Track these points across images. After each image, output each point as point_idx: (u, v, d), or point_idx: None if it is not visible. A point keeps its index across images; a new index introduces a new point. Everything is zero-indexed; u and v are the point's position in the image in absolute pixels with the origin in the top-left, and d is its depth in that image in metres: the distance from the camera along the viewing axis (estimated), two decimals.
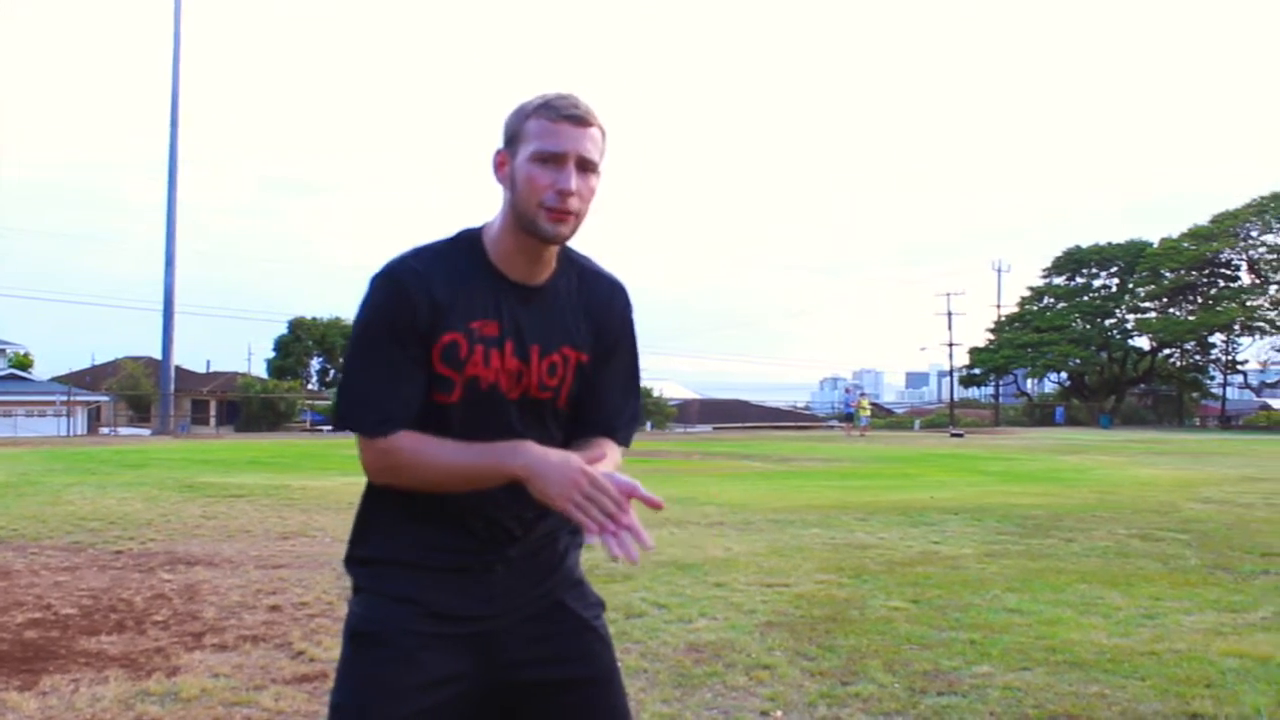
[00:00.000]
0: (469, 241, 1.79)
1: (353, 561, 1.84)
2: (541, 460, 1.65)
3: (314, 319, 60.05)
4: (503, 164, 1.76)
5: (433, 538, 1.78)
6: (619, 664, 1.92)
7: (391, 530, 1.81)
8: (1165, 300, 61.43)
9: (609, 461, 1.76)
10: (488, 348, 1.74)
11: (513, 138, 1.74)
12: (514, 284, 1.78)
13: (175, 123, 39.89)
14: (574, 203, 1.71)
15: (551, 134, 1.70)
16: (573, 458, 1.66)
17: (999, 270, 68.47)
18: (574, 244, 1.83)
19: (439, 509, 1.76)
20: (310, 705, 4.13)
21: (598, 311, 1.86)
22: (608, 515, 1.60)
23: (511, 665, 1.79)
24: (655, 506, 1.63)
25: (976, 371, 66.09)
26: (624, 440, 1.91)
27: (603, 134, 1.75)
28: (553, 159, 1.70)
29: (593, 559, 7.77)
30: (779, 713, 4.10)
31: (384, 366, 1.71)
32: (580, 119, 1.71)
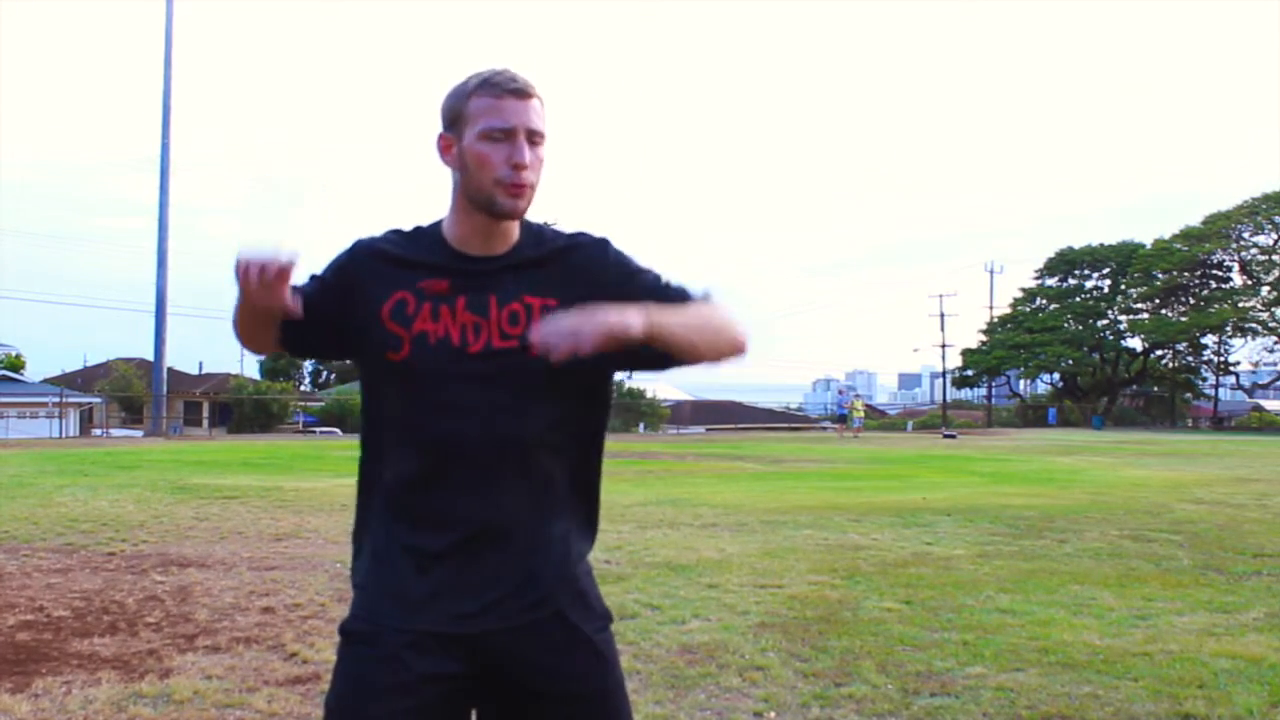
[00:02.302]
0: (428, 228, 1.83)
1: (353, 559, 1.88)
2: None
3: None
4: (449, 147, 1.76)
5: (406, 535, 1.77)
6: (618, 680, 1.81)
7: (375, 528, 1.84)
8: (1157, 301, 61.61)
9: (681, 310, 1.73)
10: (436, 304, 1.74)
11: (455, 119, 1.74)
12: (468, 255, 1.78)
13: (167, 123, 39.80)
14: (528, 175, 1.72)
15: (497, 110, 1.70)
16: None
17: (992, 271, 68.73)
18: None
19: (410, 504, 1.76)
20: (303, 707, 4.12)
21: (585, 272, 1.80)
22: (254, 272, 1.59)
23: (499, 670, 1.74)
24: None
25: (969, 373, 66.23)
26: (680, 294, 1.80)
27: (543, 104, 1.76)
28: (503, 135, 1.70)
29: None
30: (772, 714, 4.11)
31: (307, 286, 1.78)
32: (522, 91, 1.72)
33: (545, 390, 1.74)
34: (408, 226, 1.84)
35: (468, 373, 1.72)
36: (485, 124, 1.70)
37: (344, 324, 1.79)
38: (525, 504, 1.73)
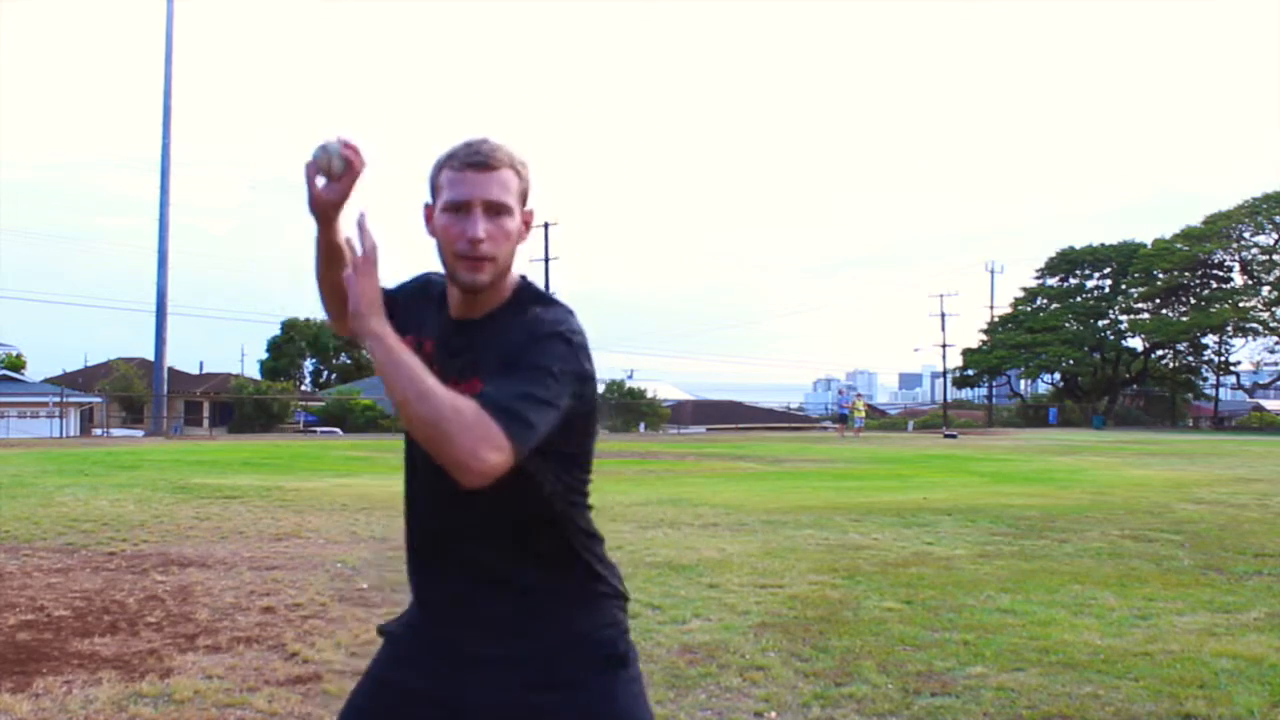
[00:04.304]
0: (441, 279, 1.87)
1: None
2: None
3: (307, 320, 60.01)
4: (430, 217, 1.79)
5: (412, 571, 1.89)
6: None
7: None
8: (1158, 301, 61.59)
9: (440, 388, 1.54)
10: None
11: (433, 190, 1.79)
12: (456, 321, 1.81)
13: (168, 123, 39.79)
14: (485, 248, 1.71)
15: (456, 183, 1.73)
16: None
17: (992, 271, 68.65)
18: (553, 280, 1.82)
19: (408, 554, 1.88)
20: (304, 707, 4.13)
21: (511, 337, 1.71)
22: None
23: (474, 702, 1.75)
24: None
25: (970, 372, 66.22)
26: (496, 407, 1.53)
27: (516, 172, 1.75)
28: (460, 207, 1.72)
29: None
30: (773, 714, 4.11)
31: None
32: (482, 164, 1.72)
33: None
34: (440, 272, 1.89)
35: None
36: (446, 196, 1.74)
37: None
38: (447, 519, 1.82)
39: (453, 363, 1.76)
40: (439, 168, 1.77)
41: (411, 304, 1.87)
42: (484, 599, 1.76)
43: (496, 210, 1.72)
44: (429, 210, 1.79)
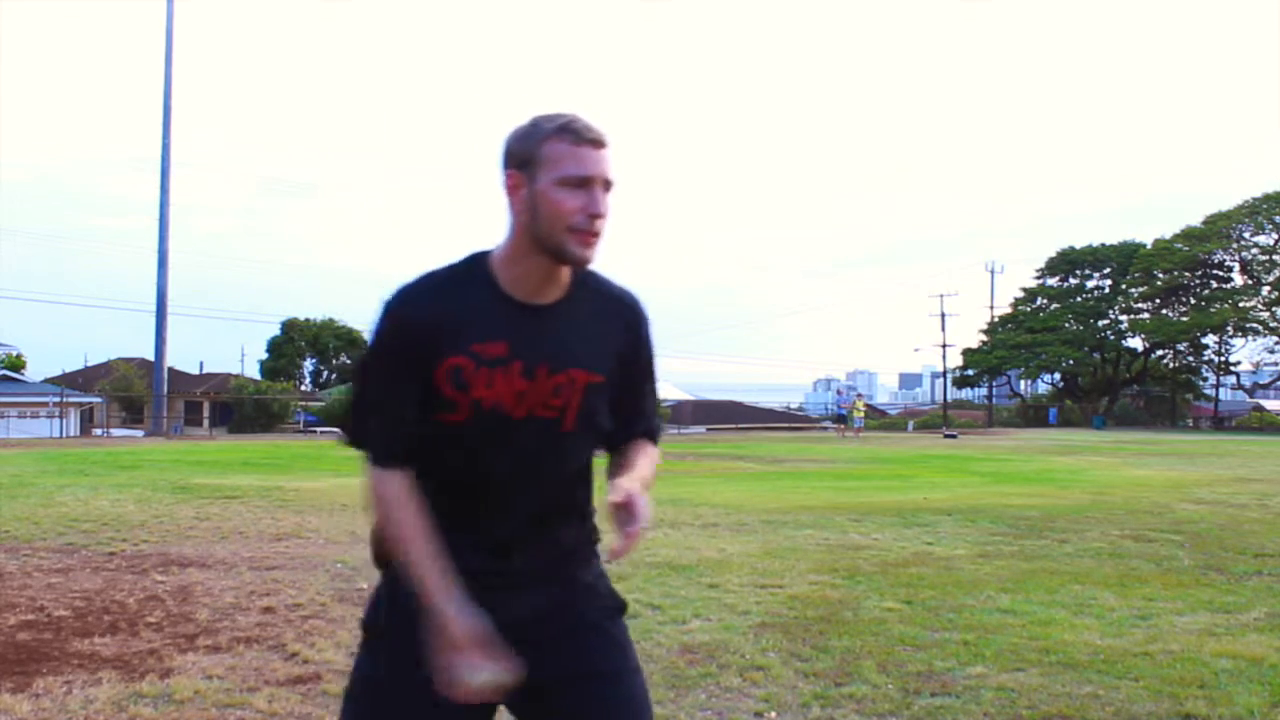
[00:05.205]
0: (476, 264, 1.81)
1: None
2: (434, 621, 1.71)
3: (307, 320, 59.95)
4: (518, 187, 1.76)
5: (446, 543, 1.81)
6: (635, 666, 1.90)
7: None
8: (1158, 301, 61.61)
9: (647, 463, 1.91)
10: (492, 369, 1.76)
11: (527, 161, 1.74)
12: (522, 304, 1.79)
13: (168, 122, 39.81)
14: (601, 224, 1.74)
15: (576, 158, 1.72)
16: (468, 622, 1.71)
17: (992, 271, 68.65)
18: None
19: (452, 517, 1.81)
20: (304, 707, 4.13)
21: (624, 332, 1.90)
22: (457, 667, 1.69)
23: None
24: (613, 555, 1.76)
25: (970, 372, 66.25)
26: (658, 437, 2.01)
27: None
28: (580, 183, 1.72)
29: None
30: (773, 714, 4.11)
31: (388, 398, 1.78)
32: (600, 141, 1.75)
33: (580, 443, 1.87)
34: (444, 265, 1.82)
35: (511, 436, 1.79)
36: (563, 171, 1.72)
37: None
38: (531, 525, 1.85)
39: (536, 354, 1.78)
40: (542, 138, 1.73)
41: (422, 336, 1.75)
42: (535, 545, 1.86)
43: (607, 189, 1.75)
44: (516, 179, 1.75)
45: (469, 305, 1.77)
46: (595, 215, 1.72)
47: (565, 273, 1.81)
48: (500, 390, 1.76)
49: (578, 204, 1.72)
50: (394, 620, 1.81)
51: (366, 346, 1.83)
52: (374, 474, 1.79)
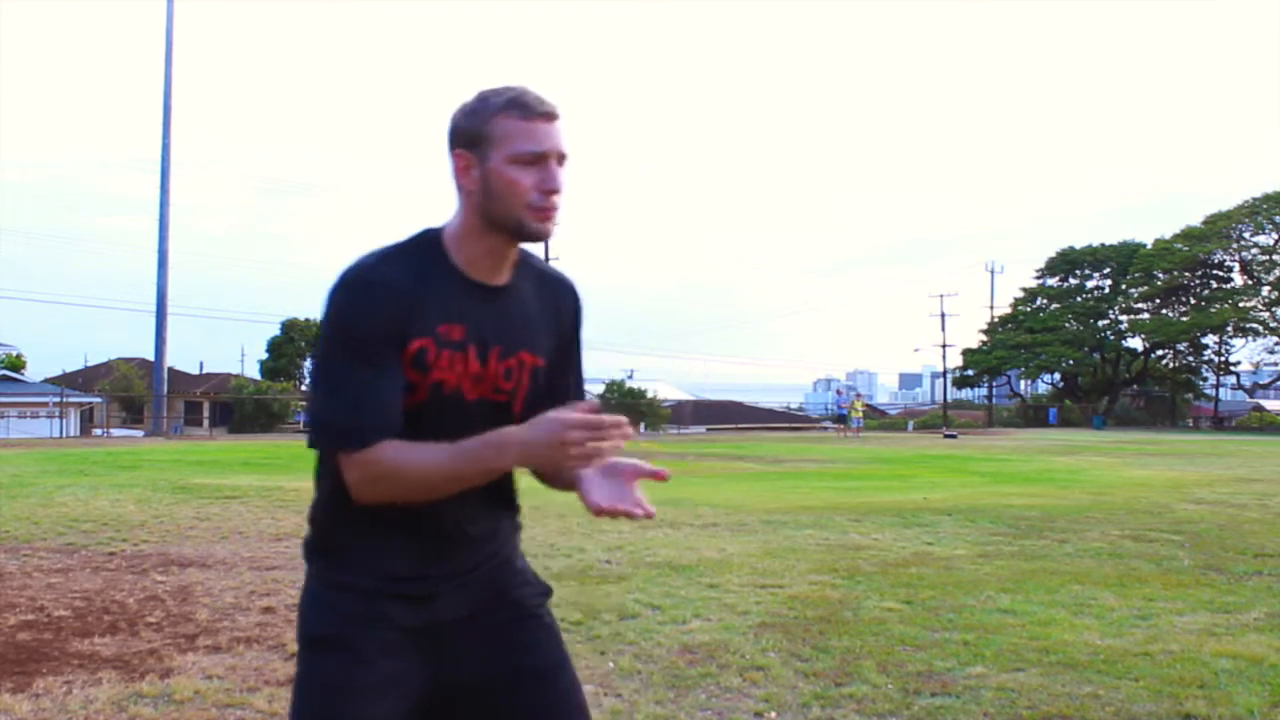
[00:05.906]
0: (430, 243, 1.76)
1: (312, 559, 1.83)
2: (525, 440, 1.60)
3: (307, 320, 59.90)
4: (468, 168, 1.71)
5: (384, 544, 1.76)
6: (568, 654, 1.90)
7: (351, 537, 1.78)
8: (1158, 301, 61.62)
9: None
10: (453, 352, 1.73)
11: (477, 139, 1.69)
12: (477, 284, 1.76)
13: (168, 122, 39.82)
14: (558, 199, 1.71)
15: (529, 134, 1.68)
16: (541, 417, 1.60)
17: (992, 271, 68.73)
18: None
19: (395, 505, 1.72)
20: None
21: (558, 315, 1.89)
22: (611, 435, 1.57)
23: (455, 662, 1.79)
24: (660, 478, 1.70)
25: (970, 372, 66.26)
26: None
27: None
28: (535, 159, 1.68)
29: (586, 561, 7.67)
30: (773, 714, 4.11)
31: (356, 378, 1.66)
32: (552, 114, 1.70)
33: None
34: (397, 243, 1.76)
35: (464, 419, 1.72)
36: (516, 148, 1.67)
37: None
38: (478, 505, 1.81)
39: (491, 337, 1.76)
40: (492, 115, 1.68)
41: (394, 311, 1.68)
42: (481, 530, 1.84)
43: (561, 162, 1.71)
44: (466, 159, 1.70)
45: (428, 284, 1.71)
46: (551, 191, 1.69)
47: (515, 252, 1.78)
48: (459, 372, 1.73)
49: (533, 181, 1.68)
50: (349, 628, 1.73)
51: (329, 331, 1.69)
52: (359, 459, 1.66)
